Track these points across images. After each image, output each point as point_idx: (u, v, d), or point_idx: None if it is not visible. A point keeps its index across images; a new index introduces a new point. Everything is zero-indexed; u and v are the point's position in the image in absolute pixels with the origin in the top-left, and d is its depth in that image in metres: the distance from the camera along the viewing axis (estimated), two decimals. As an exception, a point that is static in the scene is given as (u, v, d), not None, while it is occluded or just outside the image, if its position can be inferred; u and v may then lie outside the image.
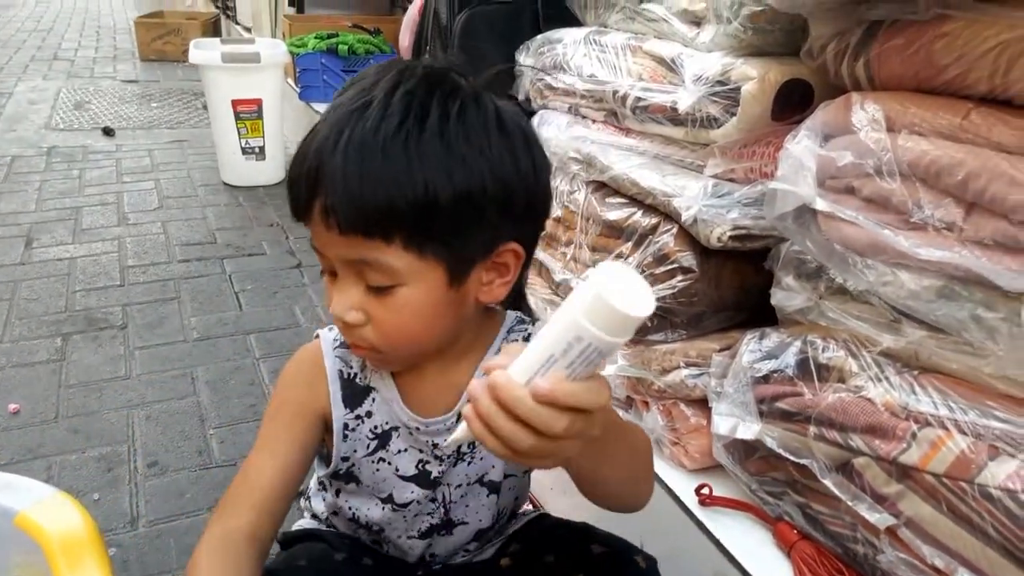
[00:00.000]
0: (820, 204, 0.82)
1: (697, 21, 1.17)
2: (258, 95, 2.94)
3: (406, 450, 0.77)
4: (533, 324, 0.79)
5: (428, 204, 0.60)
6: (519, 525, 0.88)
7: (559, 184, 1.32)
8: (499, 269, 0.68)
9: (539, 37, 1.52)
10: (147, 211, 2.75)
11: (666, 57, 1.17)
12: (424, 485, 0.79)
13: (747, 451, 0.93)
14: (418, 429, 0.75)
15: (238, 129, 2.96)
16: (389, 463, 0.77)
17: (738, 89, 1.03)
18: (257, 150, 3.03)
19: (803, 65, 1.00)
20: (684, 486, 1.02)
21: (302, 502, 0.91)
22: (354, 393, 0.76)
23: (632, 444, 0.66)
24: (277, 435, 0.74)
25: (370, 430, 0.77)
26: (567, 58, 1.39)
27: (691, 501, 0.99)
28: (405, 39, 2.13)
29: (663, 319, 1.06)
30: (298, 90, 3.21)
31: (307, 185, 0.62)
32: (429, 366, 0.74)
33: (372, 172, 0.59)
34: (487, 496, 0.81)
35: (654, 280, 1.06)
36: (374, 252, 0.62)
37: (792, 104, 1.04)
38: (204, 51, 2.85)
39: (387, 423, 0.77)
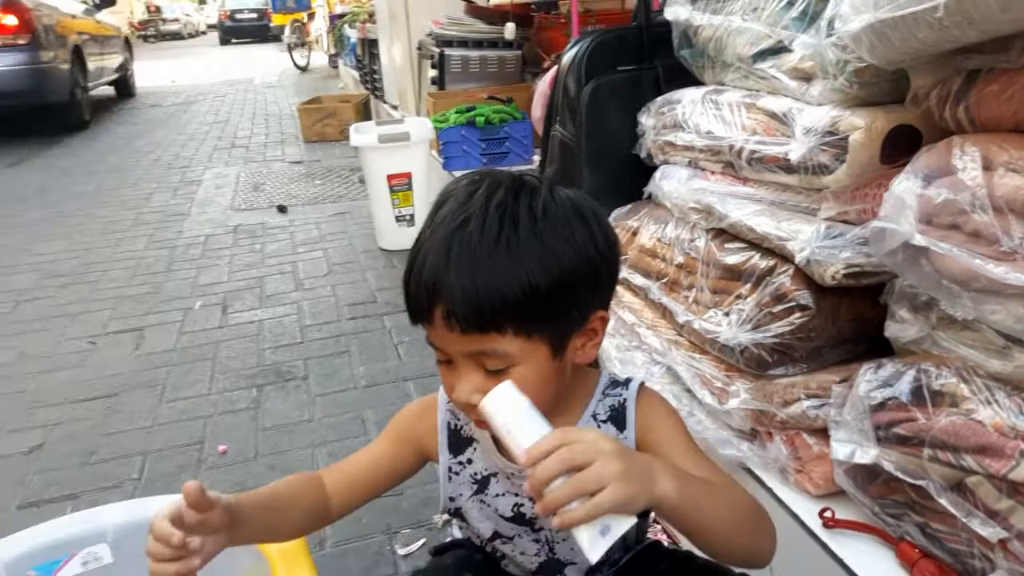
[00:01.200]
0: (919, 240, 0.88)
1: (807, 77, 1.25)
2: (408, 169, 3.27)
3: (503, 494, 0.90)
4: (627, 386, 0.88)
5: (532, 296, 0.71)
6: (628, 556, 0.97)
7: (680, 233, 1.42)
8: (589, 334, 0.80)
9: (659, 99, 1.64)
10: (318, 277, 3.11)
11: (778, 112, 1.26)
12: (522, 524, 0.91)
13: (867, 476, 0.98)
14: (514, 474, 0.88)
15: (392, 200, 3.29)
16: (489, 505, 0.91)
17: (847, 138, 1.11)
18: (408, 217, 3.34)
19: (909, 111, 1.07)
20: (808, 511, 1.07)
21: (446, 528, 1.06)
22: (459, 442, 0.92)
23: (711, 492, 0.74)
24: (383, 446, 0.93)
25: (471, 475, 0.91)
26: (686, 116, 1.50)
27: (815, 524, 1.05)
28: (537, 111, 2.33)
29: (783, 354, 1.13)
30: (442, 161, 3.52)
31: (427, 298, 0.74)
32: None
33: (484, 279, 0.71)
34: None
35: (772, 318, 1.14)
36: (491, 343, 0.74)
37: (900, 148, 1.10)
38: (363, 135, 3.21)
39: (486, 470, 0.91)
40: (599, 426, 0.87)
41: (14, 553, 1.21)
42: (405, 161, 3.26)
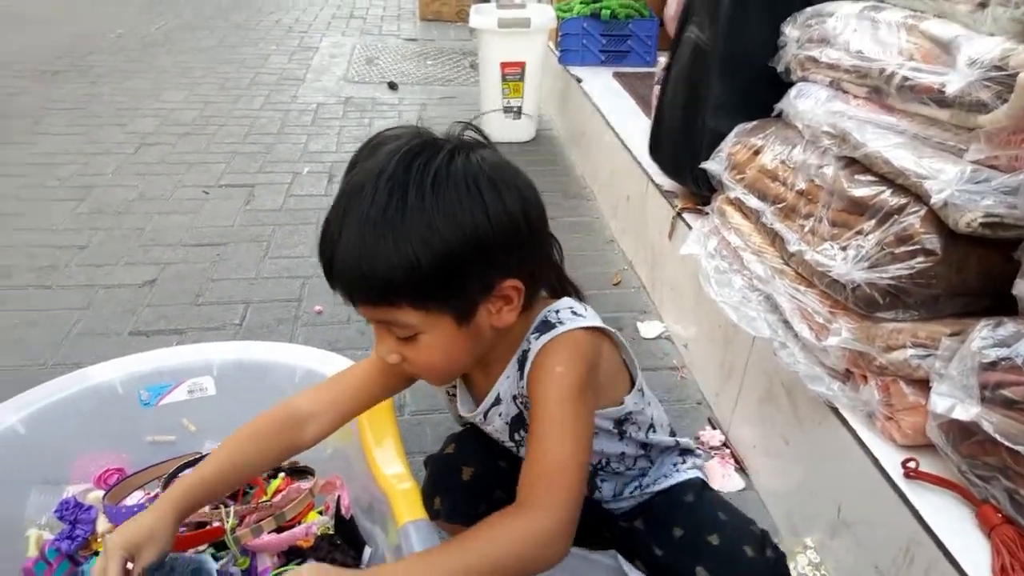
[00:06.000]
0: (1078, 198, 0.81)
1: (983, 2, 1.13)
2: (523, 58, 3.18)
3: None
4: (544, 333, 0.84)
5: (415, 273, 0.70)
6: (665, 486, 1.02)
7: (808, 157, 1.35)
8: (502, 301, 0.78)
9: (809, 9, 1.52)
10: (422, 158, 3.13)
11: (942, 37, 1.15)
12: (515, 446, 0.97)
13: (962, 433, 0.95)
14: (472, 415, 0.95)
15: (502, 89, 3.23)
16: (489, 426, 0.97)
17: (1014, 76, 1.01)
18: (516, 109, 3.29)
19: (1092, 54, 0.96)
20: (890, 459, 1.06)
21: None
22: None
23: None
24: (376, 368, 0.95)
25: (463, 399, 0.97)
26: (836, 32, 1.39)
27: (895, 473, 1.03)
28: (672, 7, 2.21)
29: (896, 298, 1.08)
30: (558, 54, 3.41)
31: (326, 272, 0.76)
32: (474, 368, 0.91)
33: (368, 257, 0.70)
34: None
35: (893, 259, 1.08)
36: (389, 315, 0.75)
37: (1073, 94, 0.99)
38: (482, 16, 3.13)
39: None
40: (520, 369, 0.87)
41: (129, 372, 1.33)
42: (521, 49, 3.17)
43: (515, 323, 0.82)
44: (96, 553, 1.18)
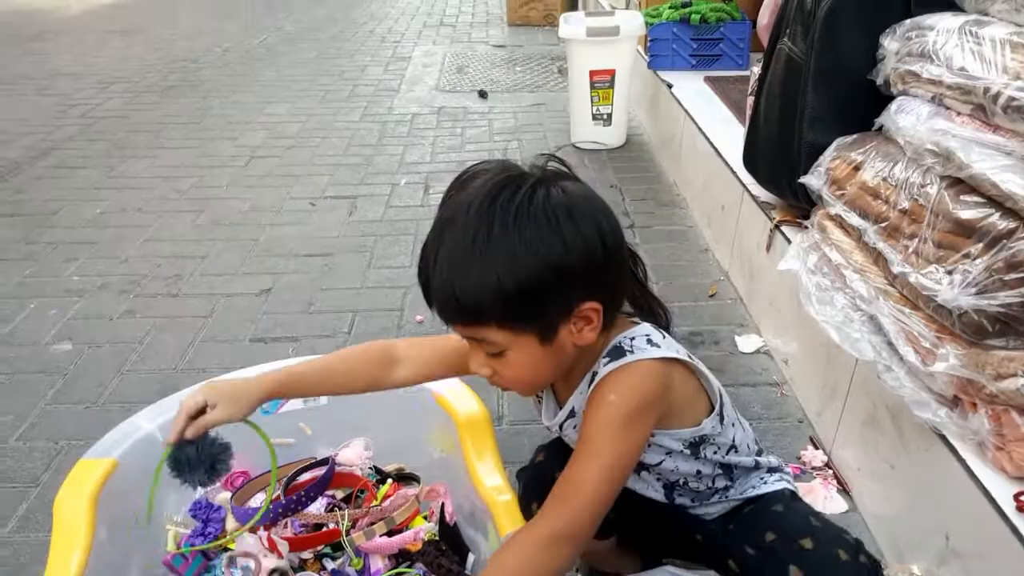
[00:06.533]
0: None
1: (1097, 17, 1.09)
2: (613, 65, 3.20)
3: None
4: (616, 359, 0.88)
5: (501, 297, 0.78)
6: (753, 494, 1.04)
7: (910, 175, 1.32)
8: (582, 321, 0.84)
9: (908, 22, 1.49)
10: (514, 168, 3.20)
11: (1053, 55, 1.12)
12: None
13: (1081, 467, 0.93)
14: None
15: (591, 97, 3.26)
16: (566, 438, 1.03)
17: None
18: (605, 116, 3.31)
19: None
20: (1002, 490, 1.04)
21: None
22: None
23: None
24: (463, 348, 0.98)
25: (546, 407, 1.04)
26: (936, 47, 1.36)
27: (1008, 506, 1.01)
28: (765, 17, 2.18)
29: (1007, 325, 1.06)
30: (647, 59, 3.40)
31: (424, 293, 0.84)
32: (559, 380, 0.97)
33: (458, 281, 0.79)
34: (638, 474, 1.01)
35: (1002, 285, 1.06)
36: (478, 332, 0.84)
37: None
38: (571, 26, 3.17)
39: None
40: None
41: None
42: (610, 57, 3.19)
43: (597, 340, 0.88)
44: (226, 549, 1.29)
